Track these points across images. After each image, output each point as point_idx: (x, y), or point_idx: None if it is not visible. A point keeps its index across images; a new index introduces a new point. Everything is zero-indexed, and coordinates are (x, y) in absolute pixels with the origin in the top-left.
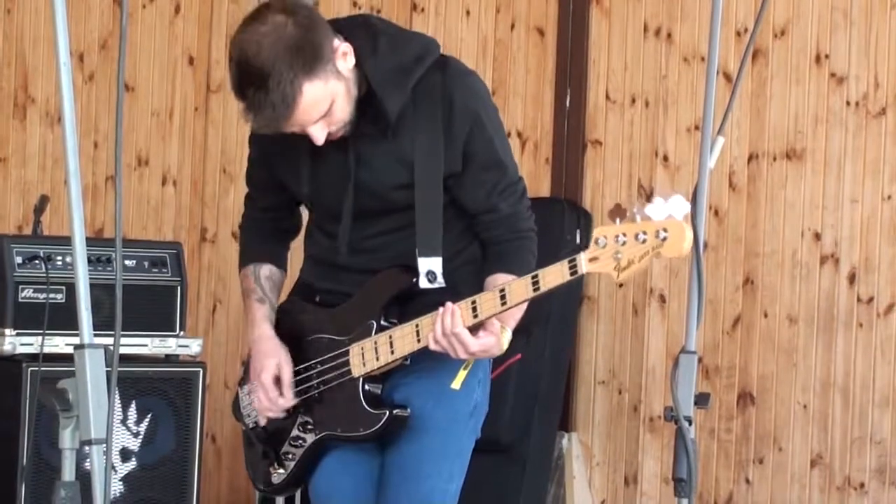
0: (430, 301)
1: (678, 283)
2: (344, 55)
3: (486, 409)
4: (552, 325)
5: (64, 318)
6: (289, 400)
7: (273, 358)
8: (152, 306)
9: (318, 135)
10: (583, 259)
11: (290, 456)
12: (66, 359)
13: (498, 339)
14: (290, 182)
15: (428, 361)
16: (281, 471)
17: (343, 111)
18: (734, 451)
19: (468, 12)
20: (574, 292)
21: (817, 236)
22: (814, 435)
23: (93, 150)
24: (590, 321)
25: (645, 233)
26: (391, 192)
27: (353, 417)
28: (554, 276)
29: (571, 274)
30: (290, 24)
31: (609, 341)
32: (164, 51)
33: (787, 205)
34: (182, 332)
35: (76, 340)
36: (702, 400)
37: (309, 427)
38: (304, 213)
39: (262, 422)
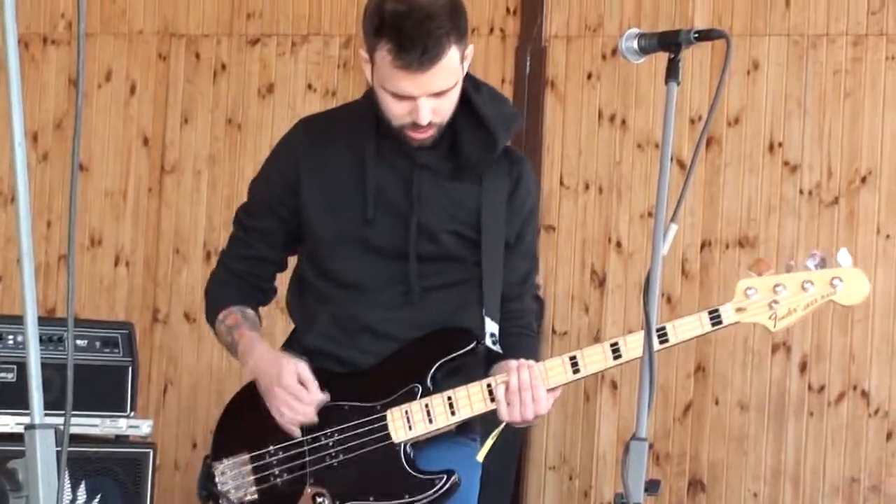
0: (466, 373)
1: (629, 370)
2: (468, 56)
3: None
4: None
5: (14, 397)
6: (317, 395)
7: (286, 361)
8: (103, 386)
9: (426, 111)
10: (729, 309)
11: None
12: (16, 438)
13: None
14: (339, 209)
15: (454, 432)
16: None
17: (450, 105)
18: None
19: None
20: None
21: None
22: None
23: (46, 230)
24: None
25: (811, 282)
26: (446, 237)
27: (394, 484)
28: (689, 327)
29: (714, 325)
30: None
31: (560, 427)
32: (118, 131)
33: None
34: (133, 413)
35: (26, 420)
36: (652, 487)
37: (323, 497)
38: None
39: (297, 433)
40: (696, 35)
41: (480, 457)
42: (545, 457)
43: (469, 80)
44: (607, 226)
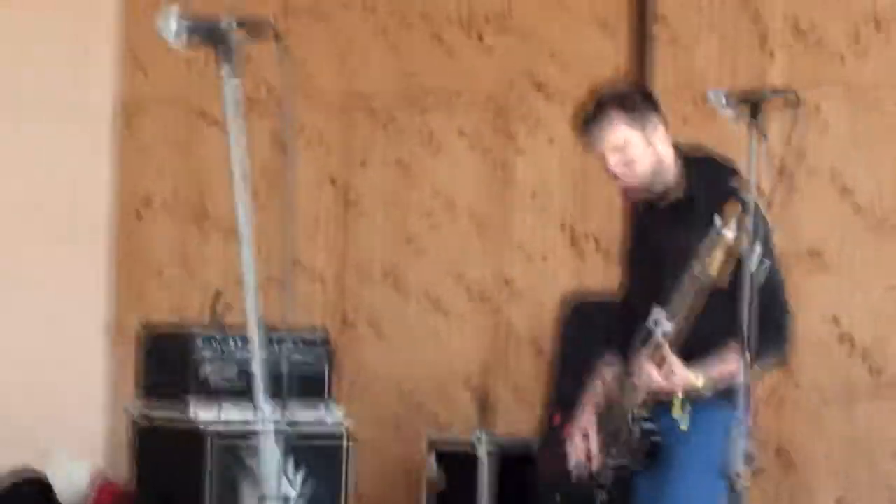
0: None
1: None
2: (655, 133)
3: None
4: None
5: (237, 392)
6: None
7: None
8: (307, 380)
9: (611, 160)
10: None
11: None
12: (239, 424)
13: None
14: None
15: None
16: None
17: (634, 166)
18: None
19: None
20: None
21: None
22: None
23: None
24: None
25: None
26: (669, 252)
27: None
28: None
29: None
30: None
31: None
32: (310, 176)
33: None
34: (331, 401)
35: (248, 409)
36: None
37: None
38: None
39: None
40: None
41: (675, 413)
42: None
43: (697, 160)
44: None
